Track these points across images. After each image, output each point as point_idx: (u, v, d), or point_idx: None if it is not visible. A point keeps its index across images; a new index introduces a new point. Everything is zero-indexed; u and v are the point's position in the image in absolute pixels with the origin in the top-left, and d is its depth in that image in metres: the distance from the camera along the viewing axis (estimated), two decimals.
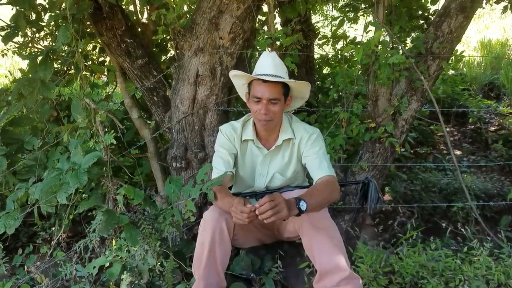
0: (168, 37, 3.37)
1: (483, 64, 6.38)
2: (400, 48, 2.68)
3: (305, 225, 1.93)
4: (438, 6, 3.37)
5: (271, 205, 1.70)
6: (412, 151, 4.25)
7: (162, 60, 3.46)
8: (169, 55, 3.55)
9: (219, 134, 2.26)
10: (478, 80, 5.84)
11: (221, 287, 2.02)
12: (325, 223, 1.96)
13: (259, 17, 3.20)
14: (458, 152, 4.37)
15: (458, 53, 2.71)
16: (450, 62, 2.76)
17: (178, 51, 2.78)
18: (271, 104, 2.03)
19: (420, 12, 3.74)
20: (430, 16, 3.71)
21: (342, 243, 1.97)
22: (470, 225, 2.83)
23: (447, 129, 4.91)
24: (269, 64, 2.04)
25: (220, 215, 1.97)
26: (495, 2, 3.21)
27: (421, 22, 3.78)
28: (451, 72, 5.70)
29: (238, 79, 2.19)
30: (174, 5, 2.61)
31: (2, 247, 2.54)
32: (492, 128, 4.81)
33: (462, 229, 2.58)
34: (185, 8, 3.42)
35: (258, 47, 2.77)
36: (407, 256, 2.24)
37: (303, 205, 1.80)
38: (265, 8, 3.16)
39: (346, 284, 1.88)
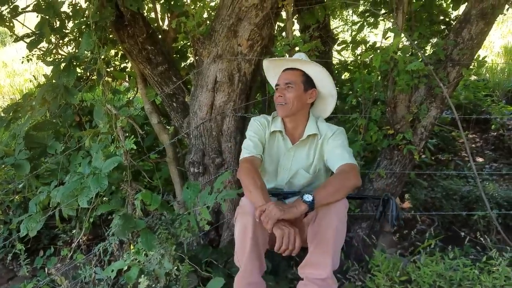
0: (188, 44, 3.41)
1: (506, 70, 6.25)
2: (419, 54, 2.65)
3: (319, 216, 1.93)
4: (459, 11, 3.33)
5: (280, 234, 1.77)
6: (433, 158, 4.19)
7: (181, 66, 3.50)
8: (188, 61, 3.60)
9: (251, 123, 2.32)
10: (502, 86, 5.72)
11: (262, 271, 2.01)
12: (335, 225, 1.92)
13: (278, 23, 3.21)
14: (480, 159, 4.29)
15: (480, 59, 2.67)
16: (472, 67, 2.72)
17: (197, 58, 2.81)
18: (286, 88, 2.18)
19: (441, 18, 3.69)
20: (452, 21, 3.66)
21: (339, 248, 1.96)
22: (491, 234, 2.77)
23: (469, 135, 4.83)
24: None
25: None
26: None
27: (442, 27, 3.74)
28: (473, 77, 5.61)
29: (268, 72, 2.42)
30: (194, 13, 2.65)
31: (24, 249, 2.60)
32: None
33: (482, 238, 2.53)
34: (205, 15, 3.45)
35: (276, 54, 2.78)
36: (425, 265, 2.20)
37: (308, 197, 1.80)
38: (283, 14, 3.17)
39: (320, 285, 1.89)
